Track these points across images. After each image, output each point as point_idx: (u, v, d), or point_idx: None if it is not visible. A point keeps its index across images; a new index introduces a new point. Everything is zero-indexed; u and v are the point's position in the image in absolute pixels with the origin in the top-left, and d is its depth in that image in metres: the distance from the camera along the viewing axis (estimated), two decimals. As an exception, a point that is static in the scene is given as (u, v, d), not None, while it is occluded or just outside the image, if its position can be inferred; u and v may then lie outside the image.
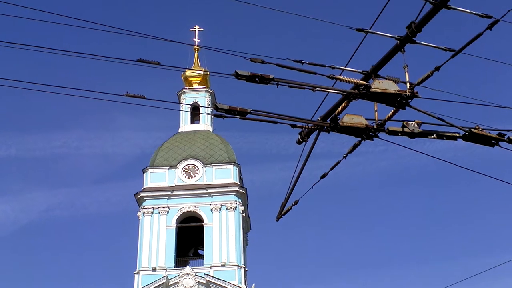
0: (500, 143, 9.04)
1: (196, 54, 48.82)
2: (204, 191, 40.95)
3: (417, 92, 8.62)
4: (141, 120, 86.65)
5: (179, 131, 45.61)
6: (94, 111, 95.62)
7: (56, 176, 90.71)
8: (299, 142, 9.47)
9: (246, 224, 43.92)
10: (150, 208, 40.59)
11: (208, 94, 47.30)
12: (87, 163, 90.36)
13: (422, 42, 8.56)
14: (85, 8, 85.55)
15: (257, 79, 8.29)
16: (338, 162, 9.97)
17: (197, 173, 41.82)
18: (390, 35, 8.53)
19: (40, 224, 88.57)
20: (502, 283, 69.89)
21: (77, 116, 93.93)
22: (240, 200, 41.24)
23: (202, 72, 46.44)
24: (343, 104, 8.89)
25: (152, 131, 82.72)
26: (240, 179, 42.90)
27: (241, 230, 40.77)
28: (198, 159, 42.24)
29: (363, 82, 8.60)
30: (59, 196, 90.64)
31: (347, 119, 8.75)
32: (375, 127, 8.82)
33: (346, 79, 8.61)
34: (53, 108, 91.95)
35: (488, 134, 8.95)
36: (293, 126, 8.95)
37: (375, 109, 8.93)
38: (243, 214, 41.64)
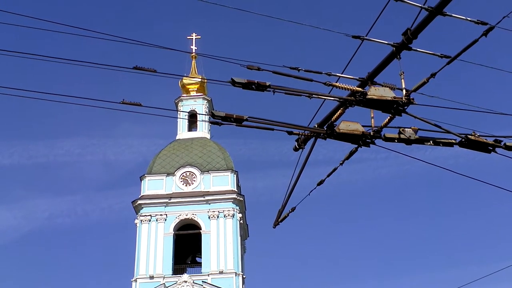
0: (497, 149, 9.05)
1: (193, 61, 48.93)
2: (202, 199, 40.92)
3: (413, 99, 8.63)
4: (143, 127, 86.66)
5: (177, 138, 45.62)
6: (97, 118, 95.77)
7: (59, 183, 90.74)
8: (296, 149, 9.47)
9: (244, 231, 43.88)
10: (148, 215, 40.53)
11: (206, 101, 47.34)
12: (90, 170, 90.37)
13: (418, 49, 8.58)
14: (82, 16, 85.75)
15: (253, 86, 8.30)
16: (335, 169, 9.98)
17: (194, 181, 41.80)
18: (386, 42, 8.55)
19: (42, 231, 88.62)
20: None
21: (79, 124, 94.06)
22: (237, 207, 41.21)
23: (200, 80, 46.56)
24: (340, 111, 8.90)
25: (154, 138, 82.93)
26: (238, 186, 42.90)
27: (239, 237, 40.73)
28: (196, 167, 42.22)
29: (360, 89, 8.62)
30: (62, 204, 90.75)
31: (344, 126, 8.76)
32: (371, 133, 8.82)
33: (343, 86, 8.62)
34: (55, 116, 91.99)
35: (485, 140, 8.96)
36: (290, 133, 8.95)
37: (372, 116, 8.94)
38: (241, 221, 41.61)
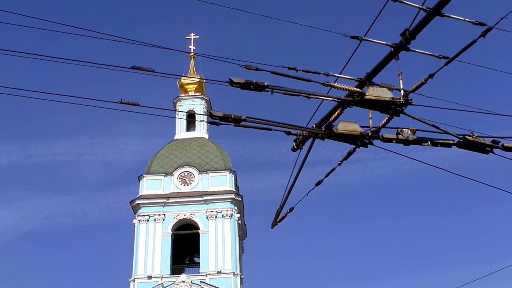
0: (494, 150, 9.05)
1: (191, 61, 48.97)
2: (200, 199, 40.90)
3: (411, 100, 8.64)
4: (143, 127, 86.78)
5: (175, 138, 45.61)
6: (96, 118, 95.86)
7: (58, 183, 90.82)
8: (294, 149, 9.47)
9: (242, 232, 43.87)
10: (146, 215, 40.51)
11: (204, 101, 47.35)
12: (89, 170, 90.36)
13: (416, 50, 8.57)
14: (81, 16, 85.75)
15: (251, 86, 8.30)
16: (333, 170, 9.97)
17: (192, 181, 41.78)
18: (385, 43, 8.55)
19: (41, 231, 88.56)
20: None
21: (79, 123, 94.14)
22: (236, 208, 41.20)
23: (198, 80, 46.56)
24: (338, 111, 8.90)
25: (153, 138, 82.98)
26: (236, 186, 42.88)
27: (237, 238, 40.72)
28: (194, 167, 42.21)
29: (358, 89, 8.62)
30: (60, 204, 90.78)
31: (342, 127, 8.76)
32: (369, 134, 8.83)
33: (341, 86, 8.62)
34: (55, 115, 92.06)
35: (482, 141, 8.96)
36: (288, 133, 8.95)
37: (370, 116, 8.93)
38: (239, 222, 41.60)
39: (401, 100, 8.58)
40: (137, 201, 40.94)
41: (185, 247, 42.24)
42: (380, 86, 8.65)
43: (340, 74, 8.80)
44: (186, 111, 46.36)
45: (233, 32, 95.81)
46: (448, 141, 9.04)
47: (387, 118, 8.80)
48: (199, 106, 46.75)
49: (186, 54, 47.17)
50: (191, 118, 46.63)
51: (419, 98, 8.82)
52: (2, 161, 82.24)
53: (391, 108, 8.59)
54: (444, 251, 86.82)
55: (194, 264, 42.57)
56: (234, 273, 38.46)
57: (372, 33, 8.73)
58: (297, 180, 9.98)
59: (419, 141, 8.95)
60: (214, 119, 8.34)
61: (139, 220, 40.39)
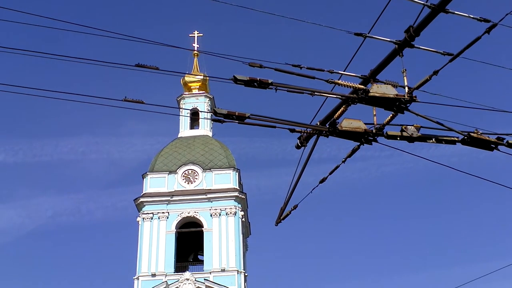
0: (499, 147, 9.03)
1: (195, 59, 48.91)
2: (204, 196, 40.93)
3: (415, 96, 8.62)
4: (147, 126, 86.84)
5: (179, 136, 45.65)
6: (101, 117, 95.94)
7: (63, 181, 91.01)
8: (298, 147, 9.46)
9: (246, 229, 43.89)
10: (150, 213, 40.57)
11: (208, 99, 47.36)
12: (94, 168, 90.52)
13: (421, 47, 8.56)
14: (84, 14, 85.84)
15: (255, 83, 8.29)
16: (337, 167, 9.97)
17: (196, 178, 41.80)
18: (389, 40, 8.53)
19: (45, 230, 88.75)
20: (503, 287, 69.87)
21: (84, 122, 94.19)
22: (239, 205, 41.23)
23: (202, 77, 46.54)
24: (342, 108, 8.89)
25: (157, 136, 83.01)
26: (240, 184, 42.90)
27: (241, 235, 40.74)
28: (198, 164, 42.24)
29: (362, 86, 8.60)
30: (66, 202, 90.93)
31: (346, 124, 8.75)
32: (374, 131, 8.81)
33: (345, 83, 8.61)
34: (60, 114, 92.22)
35: (487, 138, 8.94)
36: (292, 130, 8.94)
37: (374, 113, 8.92)
38: (243, 219, 41.62)
39: (406, 97, 8.57)
40: (141, 199, 41.00)
41: (189, 245, 42.28)
42: (385, 83, 8.64)
43: (344, 71, 8.79)
44: (190, 109, 46.41)
45: (236, 29, 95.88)
46: (452, 138, 9.02)
47: (391, 115, 8.79)
48: (203, 104, 46.78)
49: (190, 52, 47.22)
50: (195, 116, 46.64)
51: (423, 95, 8.82)
52: (8, 159, 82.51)
53: (396, 105, 8.58)
54: (447, 248, 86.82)
55: (198, 262, 42.64)
56: (238, 270, 38.49)
57: (376, 30, 8.72)
58: (301, 177, 9.98)
59: (424, 138, 8.94)
60: (218, 117, 8.34)
61: (143, 218, 40.45)
